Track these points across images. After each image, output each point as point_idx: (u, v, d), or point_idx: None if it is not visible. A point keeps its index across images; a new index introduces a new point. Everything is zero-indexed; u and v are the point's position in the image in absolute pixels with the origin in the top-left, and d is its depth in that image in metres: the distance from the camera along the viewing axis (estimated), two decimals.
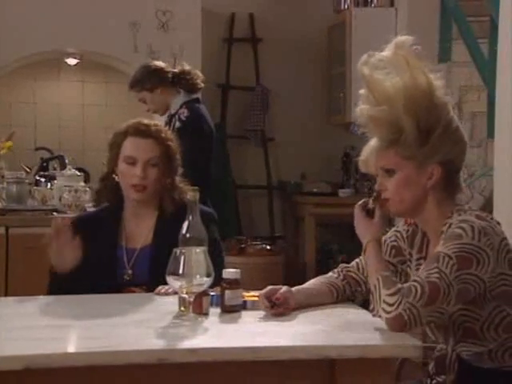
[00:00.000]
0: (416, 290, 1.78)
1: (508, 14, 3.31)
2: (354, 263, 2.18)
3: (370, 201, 2.05)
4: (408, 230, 2.11)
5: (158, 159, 2.51)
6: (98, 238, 2.50)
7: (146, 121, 2.57)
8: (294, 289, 2.04)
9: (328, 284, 2.13)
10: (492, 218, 1.96)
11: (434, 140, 1.93)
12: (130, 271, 2.48)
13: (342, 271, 2.17)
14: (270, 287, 2.03)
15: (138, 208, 2.53)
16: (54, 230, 2.41)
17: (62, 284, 2.43)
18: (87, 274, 2.39)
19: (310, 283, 2.14)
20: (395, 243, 2.12)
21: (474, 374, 1.93)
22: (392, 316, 1.77)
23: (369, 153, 2.04)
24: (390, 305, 1.78)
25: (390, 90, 1.94)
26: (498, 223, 1.98)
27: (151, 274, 2.39)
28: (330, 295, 2.10)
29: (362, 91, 2.01)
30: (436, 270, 1.81)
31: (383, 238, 2.13)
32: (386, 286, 1.82)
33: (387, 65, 1.99)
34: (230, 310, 2.00)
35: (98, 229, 2.53)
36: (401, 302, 1.77)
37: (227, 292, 2.00)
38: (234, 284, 2.01)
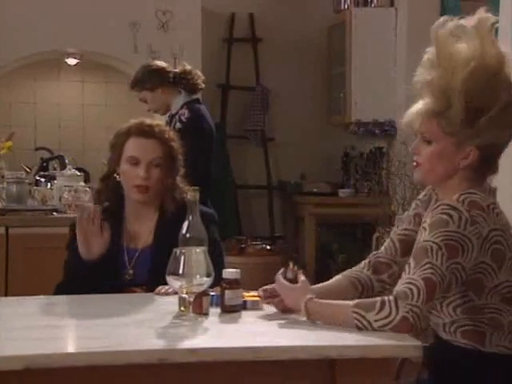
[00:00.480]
0: (412, 292, 1.78)
1: (508, 15, 3.31)
2: (382, 248, 2.15)
3: (289, 270, 2.03)
4: (425, 195, 2.09)
5: (160, 160, 2.50)
6: None
7: (148, 121, 2.56)
8: (315, 286, 2.03)
9: (351, 277, 2.10)
10: (492, 206, 1.92)
11: (481, 123, 1.88)
12: (131, 271, 2.48)
13: (369, 260, 2.13)
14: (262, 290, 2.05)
15: (139, 208, 2.53)
16: (84, 218, 2.42)
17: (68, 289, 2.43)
18: (91, 275, 2.40)
19: (333, 279, 2.12)
20: (416, 211, 2.09)
21: (435, 342, 1.97)
22: (397, 322, 1.76)
23: (414, 114, 1.98)
24: (387, 316, 1.77)
25: (458, 56, 1.90)
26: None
27: (152, 275, 2.39)
28: (352, 290, 2.07)
29: (427, 53, 1.96)
30: (428, 265, 1.80)
31: (405, 213, 2.13)
32: (368, 309, 1.80)
33: (462, 34, 1.94)
34: (230, 310, 2.00)
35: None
36: (398, 307, 1.77)
37: (227, 292, 2.00)
38: (233, 284, 2.01)
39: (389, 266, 2.11)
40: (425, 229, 1.89)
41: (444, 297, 1.89)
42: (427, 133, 1.95)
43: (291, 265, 2.04)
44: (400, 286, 1.82)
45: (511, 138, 1.97)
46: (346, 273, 2.15)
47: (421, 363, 2.01)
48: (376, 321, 1.78)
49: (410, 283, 1.80)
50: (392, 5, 5.57)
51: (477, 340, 1.90)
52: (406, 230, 2.11)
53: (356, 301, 1.85)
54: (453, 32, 1.96)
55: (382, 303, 1.79)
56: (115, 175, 2.53)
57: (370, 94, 5.43)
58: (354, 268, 2.16)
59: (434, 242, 1.83)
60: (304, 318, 1.87)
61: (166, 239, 2.22)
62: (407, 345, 1.72)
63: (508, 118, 1.91)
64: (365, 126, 5.50)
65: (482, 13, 1.99)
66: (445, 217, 1.85)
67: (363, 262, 2.15)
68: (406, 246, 2.05)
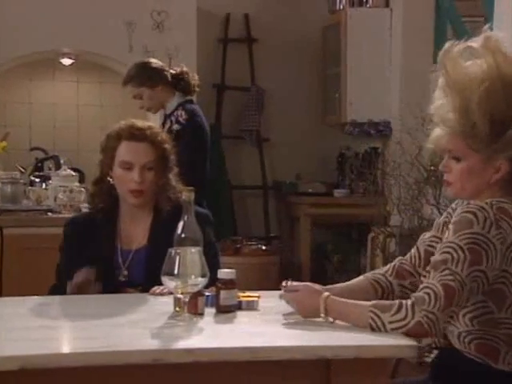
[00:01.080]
0: (429, 297, 1.77)
1: (502, 15, 3.31)
2: (408, 255, 2.12)
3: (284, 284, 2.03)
4: (457, 203, 2.06)
5: (154, 163, 2.48)
6: (93, 240, 2.49)
7: (139, 123, 2.52)
8: (329, 286, 2.02)
9: (372, 279, 2.09)
10: None
11: (507, 136, 1.87)
12: (125, 272, 2.47)
13: (394, 265, 2.11)
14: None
15: (134, 210, 2.52)
16: (79, 284, 2.38)
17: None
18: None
19: (355, 279, 2.11)
20: (446, 219, 2.06)
21: (447, 349, 1.95)
22: (411, 326, 1.75)
23: (440, 134, 1.97)
24: (402, 319, 1.76)
25: (469, 78, 1.89)
26: None
27: (147, 275, 2.39)
28: (372, 292, 2.05)
29: (439, 80, 1.95)
30: (448, 271, 1.79)
31: (436, 221, 2.10)
32: (385, 310, 1.79)
33: (471, 55, 1.93)
34: (225, 311, 2.00)
35: (94, 230, 2.52)
36: (414, 311, 1.76)
37: (222, 292, 2.00)
38: (229, 284, 2.01)
39: (411, 275, 2.09)
40: (449, 230, 1.88)
41: (463, 308, 1.87)
42: (455, 150, 1.94)
43: (289, 282, 2.02)
44: (419, 292, 1.81)
45: None
46: (368, 274, 2.13)
47: (417, 363, 2.01)
48: (390, 322, 1.77)
49: (429, 288, 1.79)
50: (387, 5, 5.57)
51: (490, 355, 1.88)
52: (433, 237, 2.08)
53: (374, 301, 1.84)
54: (462, 54, 1.94)
55: (400, 306, 1.78)
56: (108, 178, 2.52)
57: (366, 95, 5.43)
58: (377, 270, 2.15)
59: (457, 245, 1.81)
60: (322, 315, 1.86)
61: (161, 240, 2.22)
62: (402, 345, 1.72)
63: None
64: (360, 126, 5.50)
65: (486, 32, 1.97)
66: (470, 216, 1.84)
67: (388, 265, 2.13)
68: (431, 255, 2.00)
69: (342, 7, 5.76)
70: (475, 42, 1.95)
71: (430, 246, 2.08)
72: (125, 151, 2.48)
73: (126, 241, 2.51)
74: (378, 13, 5.55)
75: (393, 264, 2.12)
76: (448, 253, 1.82)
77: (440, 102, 1.96)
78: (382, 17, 5.50)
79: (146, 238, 2.50)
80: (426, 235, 2.11)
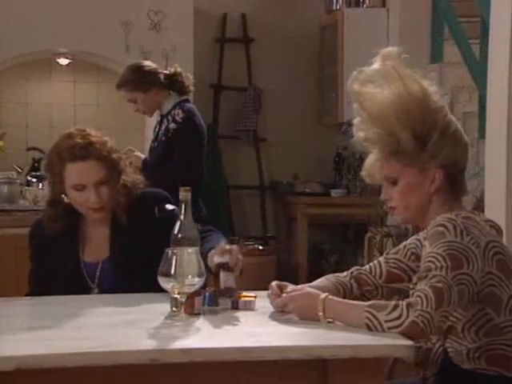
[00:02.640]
0: (421, 299, 1.78)
1: (499, 15, 3.32)
2: (367, 266, 2.18)
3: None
4: (425, 237, 2.10)
5: (106, 177, 2.34)
6: (56, 251, 2.41)
7: (78, 139, 2.32)
8: (299, 286, 2.03)
9: (335, 282, 2.12)
10: (486, 222, 1.96)
11: (431, 145, 1.95)
12: (96, 290, 2.39)
13: (352, 272, 2.16)
14: (275, 282, 2.04)
15: (95, 222, 2.42)
16: None
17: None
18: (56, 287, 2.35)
19: (319, 281, 2.13)
20: (414, 250, 2.12)
21: (452, 373, 1.94)
22: (406, 325, 1.76)
23: (371, 164, 2.05)
24: (397, 318, 1.77)
25: (382, 103, 1.96)
26: (498, 230, 1.99)
27: (118, 286, 2.31)
28: (336, 292, 2.08)
29: (355, 107, 2.02)
30: (433, 276, 1.81)
31: (403, 244, 2.15)
32: (380, 310, 1.80)
33: (377, 77, 2.00)
34: (226, 293, 2.02)
35: (55, 243, 2.41)
36: (409, 312, 1.77)
37: (222, 273, 2.01)
38: (226, 266, 2.03)
39: (368, 284, 2.14)
40: (425, 246, 1.92)
41: (459, 319, 1.89)
42: (390, 173, 2.00)
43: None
44: (410, 298, 1.83)
45: (466, 156, 2.02)
46: (329, 276, 2.16)
47: (413, 363, 2.01)
48: (386, 321, 1.78)
49: (419, 291, 1.80)
50: (384, 5, 5.58)
51: (502, 365, 1.89)
52: (397, 260, 2.13)
53: (370, 302, 1.86)
54: (369, 80, 2.01)
55: (395, 305, 1.79)
56: (62, 196, 2.38)
57: None
58: (336, 274, 2.18)
59: (436, 253, 1.84)
60: (320, 314, 1.86)
61: (123, 248, 2.27)
62: (399, 344, 1.72)
63: (454, 137, 1.99)
64: None
65: (384, 50, 2.03)
66: (441, 228, 1.88)
67: (346, 272, 2.17)
68: (392, 275, 2.11)
69: (338, 7, 5.77)
70: (375, 63, 2.01)
71: (393, 267, 2.12)
72: (72, 174, 2.33)
73: (89, 253, 2.42)
74: (374, 13, 5.56)
75: (350, 271, 2.17)
76: (430, 261, 1.85)
77: (363, 130, 2.01)
78: (379, 17, 5.50)
79: (108, 248, 2.40)
80: (390, 254, 2.16)
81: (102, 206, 2.36)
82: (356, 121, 2.03)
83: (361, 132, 2.02)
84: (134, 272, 2.32)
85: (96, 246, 2.42)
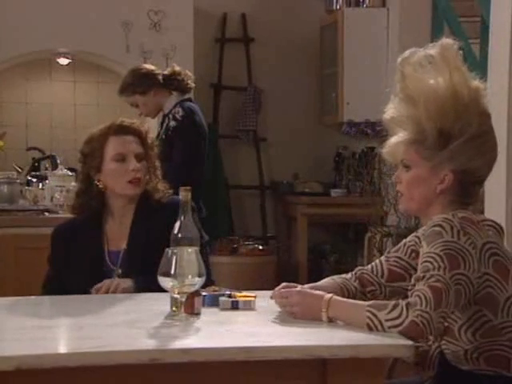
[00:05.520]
0: (420, 299, 1.78)
1: (499, 15, 3.32)
2: (368, 266, 2.18)
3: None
4: (424, 229, 2.09)
5: (144, 154, 2.52)
6: (80, 245, 2.49)
7: (125, 120, 2.57)
8: (307, 286, 2.03)
9: (341, 283, 2.12)
10: (483, 223, 1.96)
11: (453, 147, 1.94)
12: (119, 270, 2.47)
13: (356, 273, 2.16)
14: (284, 284, 2.03)
15: (119, 210, 2.52)
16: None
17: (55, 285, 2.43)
18: (77, 282, 2.40)
19: (324, 281, 2.14)
20: (414, 247, 2.11)
21: (450, 374, 1.94)
22: (406, 325, 1.76)
23: (395, 143, 2.03)
24: (397, 317, 1.77)
25: (423, 91, 1.95)
26: (499, 229, 1.98)
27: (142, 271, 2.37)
28: (340, 293, 2.07)
29: (397, 84, 2.01)
30: (431, 276, 1.81)
31: (403, 242, 2.15)
32: (381, 309, 1.80)
33: (429, 64, 1.99)
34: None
35: (79, 236, 2.51)
36: (408, 311, 1.77)
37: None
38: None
39: (372, 284, 2.13)
40: (422, 246, 1.91)
41: (455, 321, 1.89)
42: (406, 159, 2.00)
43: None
44: (409, 299, 1.82)
45: (488, 169, 2.01)
46: (335, 277, 2.16)
47: (413, 363, 2.01)
48: (387, 320, 1.78)
49: (418, 291, 1.80)
50: (384, 5, 5.57)
51: (501, 365, 1.89)
52: (399, 259, 2.12)
53: (371, 301, 1.86)
54: (421, 62, 2.01)
55: (395, 304, 1.79)
56: (96, 182, 2.51)
57: (363, 94, 5.43)
58: (341, 275, 2.18)
59: (433, 252, 1.84)
60: (323, 312, 1.86)
61: (142, 238, 2.34)
62: (399, 344, 1.72)
63: (481, 147, 1.97)
64: (357, 126, 5.51)
65: (445, 40, 2.04)
66: (437, 228, 1.88)
67: (349, 273, 2.17)
68: (394, 274, 2.10)
69: (338, 7, 5.76)
70: (433, 49, 2.01)
71: (394, 266, 2.12)
72: (115, 144, 2.51)
73: (113, 242, 2.50)
74: (374, 12, 5.55)
75: (353, 272, 2.17)
76: (427, 262, 1.85)
77: (395, 110, 2.01)
78: (379, 16, 5.50)
79: (127, 236, 2.49)
80: (391, 253, 2.15)
81: (139, 178, 2.48)
82: (393, 98, 2.02)
83: (392, 111, 2.01)
84: (149, 265, 2.34)
85: (119, 235, 2.50)
